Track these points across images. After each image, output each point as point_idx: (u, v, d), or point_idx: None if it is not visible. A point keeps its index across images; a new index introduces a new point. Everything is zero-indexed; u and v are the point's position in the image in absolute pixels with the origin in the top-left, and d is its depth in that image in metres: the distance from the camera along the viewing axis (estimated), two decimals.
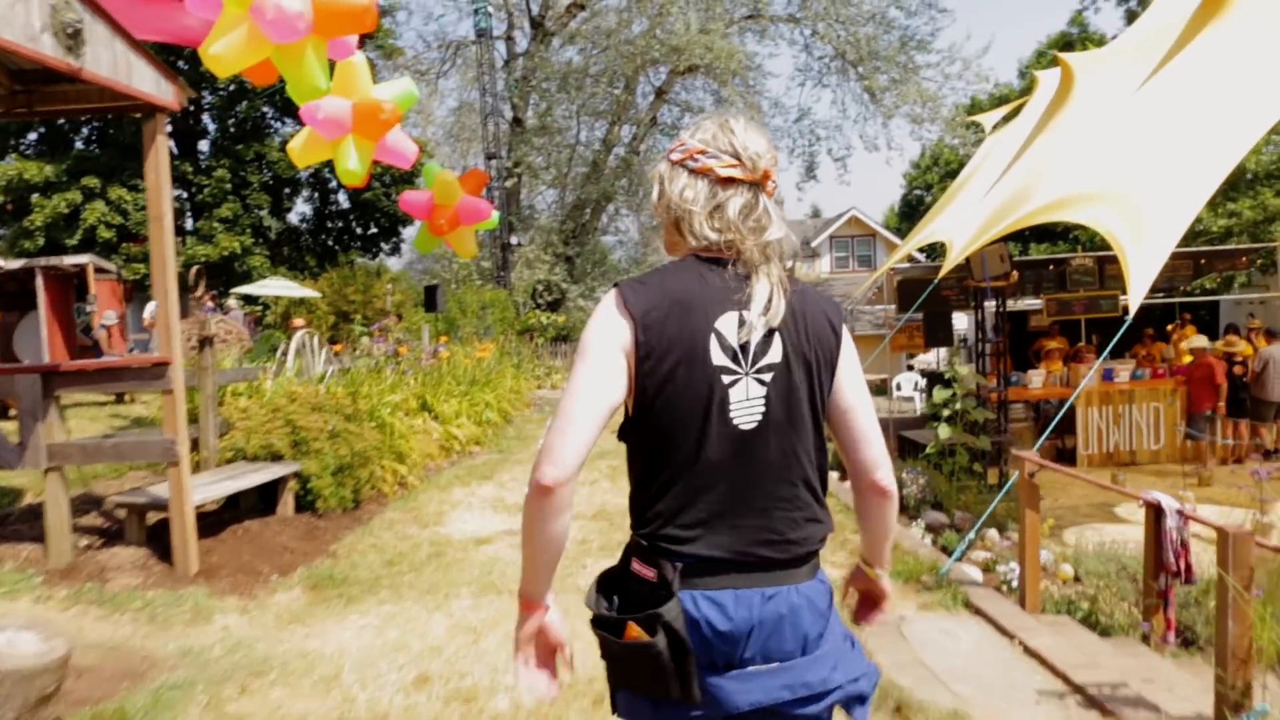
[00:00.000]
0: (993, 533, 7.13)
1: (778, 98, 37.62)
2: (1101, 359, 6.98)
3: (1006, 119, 11.97)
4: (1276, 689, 4.26)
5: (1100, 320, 13.97)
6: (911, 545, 5.93)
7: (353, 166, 4.53)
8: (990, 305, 9.51)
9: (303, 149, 4.85)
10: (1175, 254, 14.03)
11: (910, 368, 19.38)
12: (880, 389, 17.13)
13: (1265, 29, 6.92)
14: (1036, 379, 11.30)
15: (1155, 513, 4.65)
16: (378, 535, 5.90)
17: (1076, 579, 5.60)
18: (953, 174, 43.89)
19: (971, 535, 5.90)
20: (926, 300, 12.81)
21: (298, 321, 14.18)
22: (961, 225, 9.38)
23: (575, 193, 23.19)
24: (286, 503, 5.95)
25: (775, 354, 1.50)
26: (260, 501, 5.94)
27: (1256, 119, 6.25)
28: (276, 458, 6.01)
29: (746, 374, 1.48)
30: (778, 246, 1.59)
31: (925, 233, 10.72)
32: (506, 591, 4.71)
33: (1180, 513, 4.55)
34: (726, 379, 1.46)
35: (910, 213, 46.60)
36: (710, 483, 1.46)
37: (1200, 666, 4.36)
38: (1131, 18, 18.50)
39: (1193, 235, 14.74)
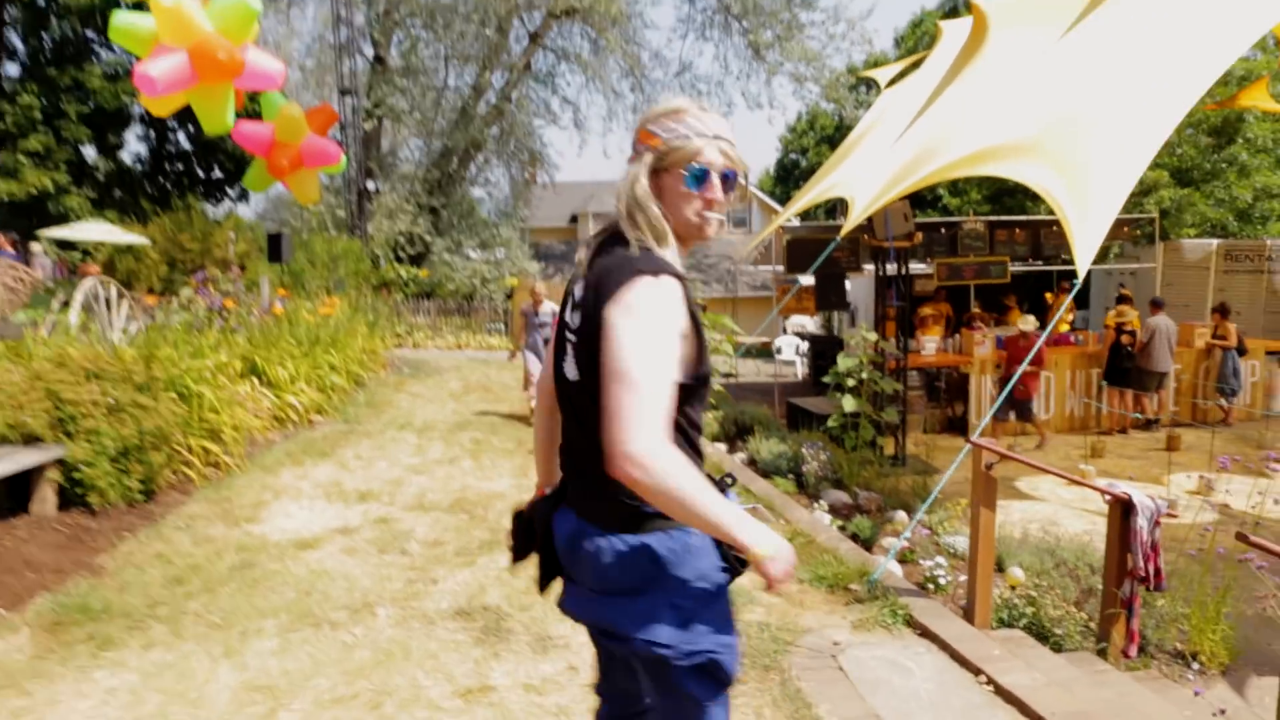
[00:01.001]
0: (901, 514, 6.45)
1: (658, 49, 36.17)
2: (1051, 326, 6.36)
3: (903, 74, 11.37)
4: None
5: (985, 286, 13.78)
6: (828, 540, 5.11)
7: (218, 118, 4.09)
8: (891, 267, 8.86)
9: (160, 102, 4.52)
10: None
11: (785, 330, 18.90)
12: (764, 351, 16.55)
13: None
14: (930, 345, 10.85)
15: (1122, 509, 3.97)
16: (169, 539, 4.61)
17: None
18: (829, 138, 44.25)
19: (903, 538, 5.13)
20: (812, 260, 12.16)
21: (89, 268, 12.18)
22: (864, 181, 8.66)
23: (442, 140, 21.50)
24: (45, 498, 4.58)
25: (575, 322, 1.67)
26: (9, 498, 4.55)
27: (1199, 70, 5.67)
28: (32, 440, 4.61)
29: (568, 341, 1.69)
30: (618, 213, 1.69)
31: (820, 188, 9.98)
32: (328, 623, 3.58)
33: (1156, 511, 3.86)
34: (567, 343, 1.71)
35: (786, 176, 46.65)
36: (567, 433, 1.76)
37: (1171, 687, 3.72)
38: None
39: None
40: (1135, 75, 5.95)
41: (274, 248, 13.36)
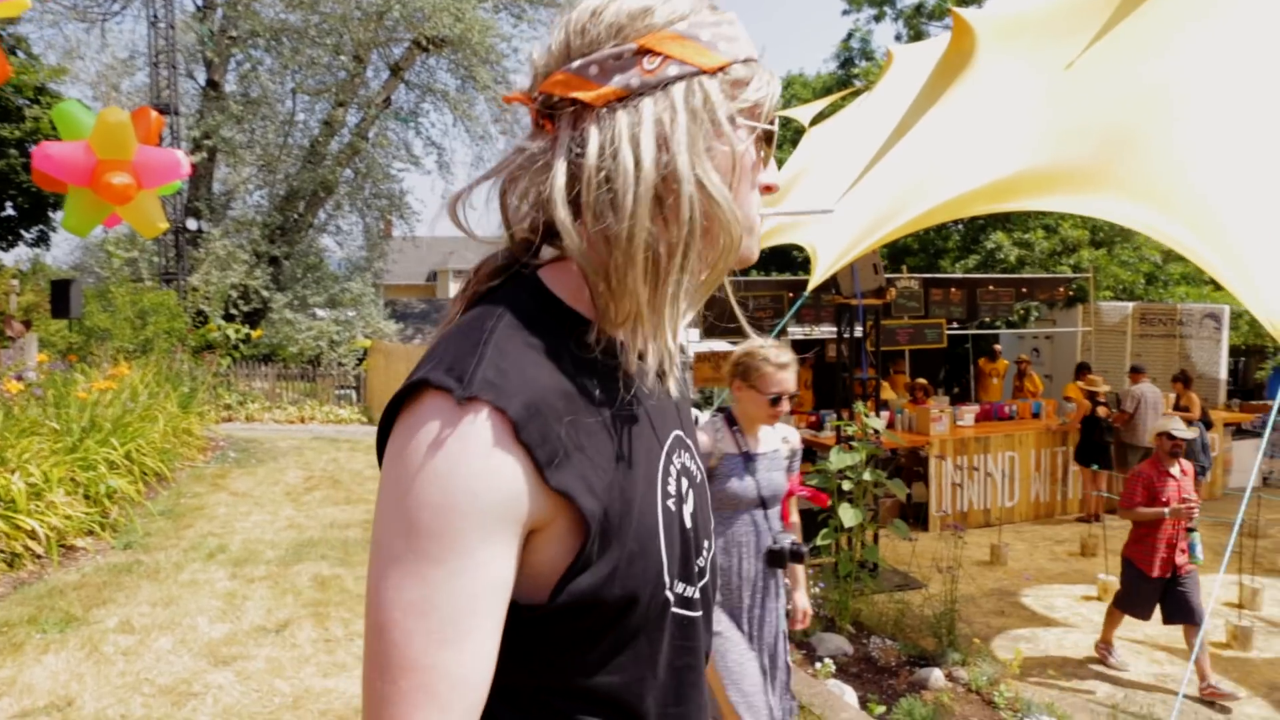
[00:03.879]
0: (935, 674, 4.65)
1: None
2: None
3: (827, 112, 10.08)
4: None
5: (920, 352, 12.52)
6: None
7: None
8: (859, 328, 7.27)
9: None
10: (999, 280, 12.90)
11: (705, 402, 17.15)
12: None
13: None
14: (879, 422, 9.29)
15: None
16: None
17: None
18: None
19: None
20: (736, 324, 10.51)
21: None
22: (830, 230, 7.08)
23: (287, 181, 18.86)
24: None
25: None
26: None
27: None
28: None
29: None
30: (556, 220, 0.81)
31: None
32: None
33: None
34: None
35: None
36: None
37: None
38: (917, 36, 17.76)
39: (995, 262, 13.76)
40: (1223, 84, 4.52)
41: (59, 299, 10.58)
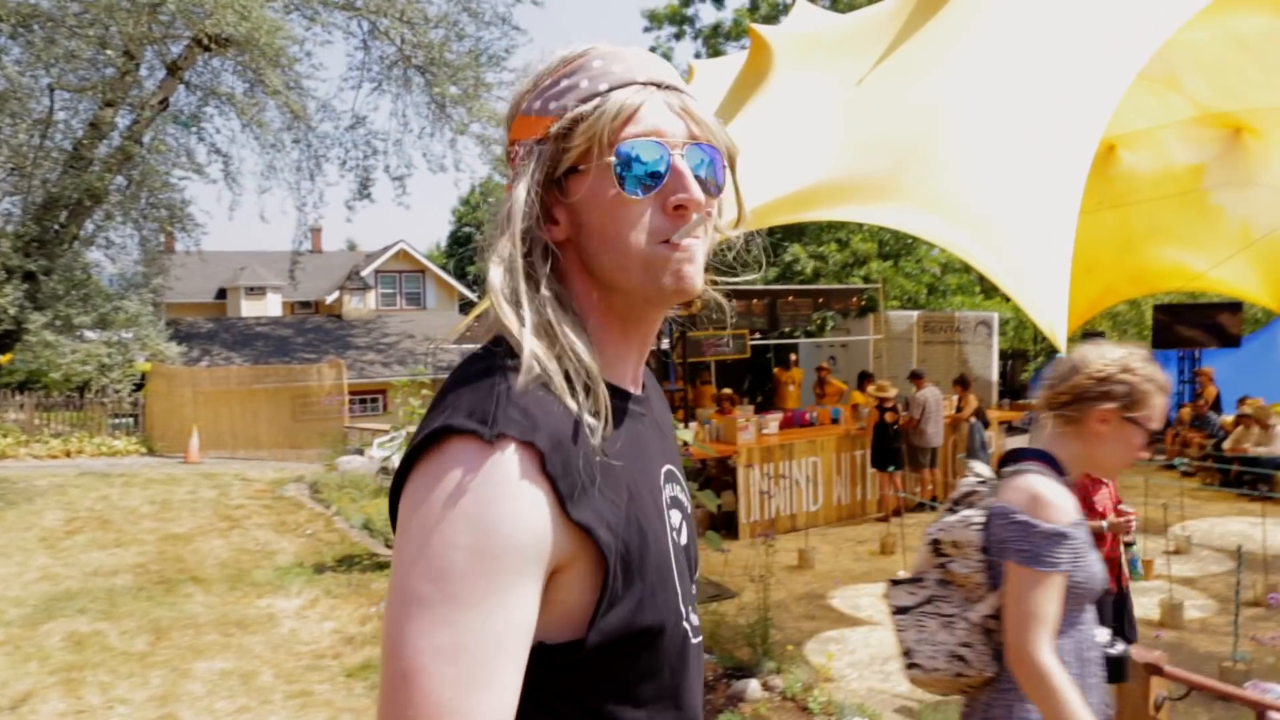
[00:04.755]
0: (751, 685, 4.67)
1: (328, 99, 33.31)
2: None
3: None
4: None
5: (724, 363, 12.80)
6: None
7: None
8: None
9: None
10: (798, 291, 13.41)
11: None
12: None
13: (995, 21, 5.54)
14: (688, 434, 9.40)
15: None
16: None
17: None
18: None
19: None
20: None
21: None
22: None
23: (45, 187, 16.89)
24: None
25: None
26: None
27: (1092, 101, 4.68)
28: None
29: None
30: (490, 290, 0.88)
31: None
32: None
33: None
34: None
35: (461, 250, 45.14)
36: None
37: None
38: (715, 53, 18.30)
39: (793, 274, 14.35)
40: (1006, 104, 4.84)
41: None
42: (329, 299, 28.82)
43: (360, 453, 13.61)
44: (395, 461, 9.97)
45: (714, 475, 8.99)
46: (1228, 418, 11.61)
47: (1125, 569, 4.42)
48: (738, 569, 6.93)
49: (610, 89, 0.86)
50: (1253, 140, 8.93)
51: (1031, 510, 1.73)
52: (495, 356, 0.84)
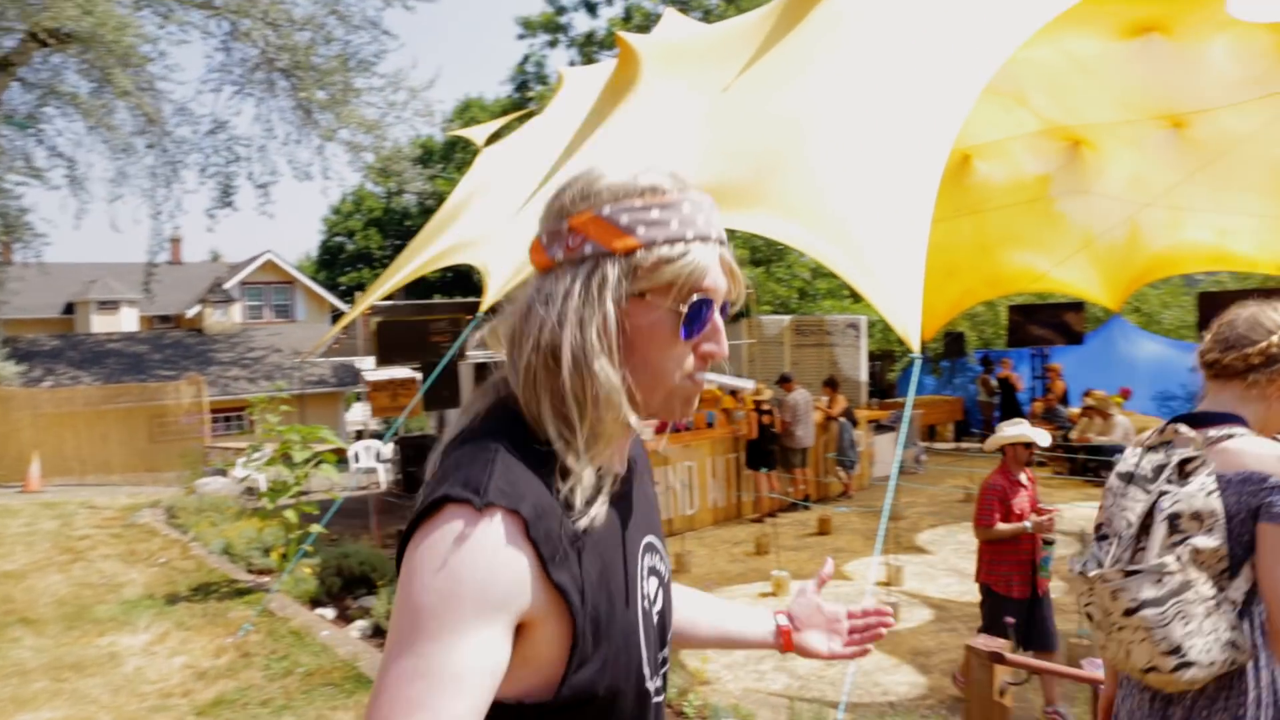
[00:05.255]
0: None
1: (185, 101, 31.62)
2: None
3: (501, 133, 10.07)
4: None
5: None
6: None
7: None
8: None
9: None
10: None
11: (360, 434, 16.22)
12: (340, 459, 13.72)
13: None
14: None
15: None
16: None
17: None
18: (377, 221, 42.24)
19: None
20: (414, 349, 10.10)
21: None
22: (496, 250, 6.97)
23: None
24: None
25: None
26: None
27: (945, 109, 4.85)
28: None
29: None
30: (513, 370, 1.01)
31: (424, 259, 8.03)
32: None
33: None
34: None
35: (331, 260, 43.68)
36: None
37: None
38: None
39: None
40: (858, 113, 4.97)
41: None
42: (190, 313, 27.34)
43: (223, 473, 12.90)
44: (257, 480, 9.47)
45: None
46: (1075, 410, 12.34)
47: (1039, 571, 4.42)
48: None
49: (694, 238, 0.95)
50: (1090, 153, 9.54)
51: None
52: (497, 426, 0.95)
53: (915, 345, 3.61)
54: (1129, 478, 1.76)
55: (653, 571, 1.05)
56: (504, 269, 6.55)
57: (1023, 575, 4.43)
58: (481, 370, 11.46)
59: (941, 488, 10.84)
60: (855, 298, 17.64)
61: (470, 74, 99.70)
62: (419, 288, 33.52)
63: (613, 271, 0.93)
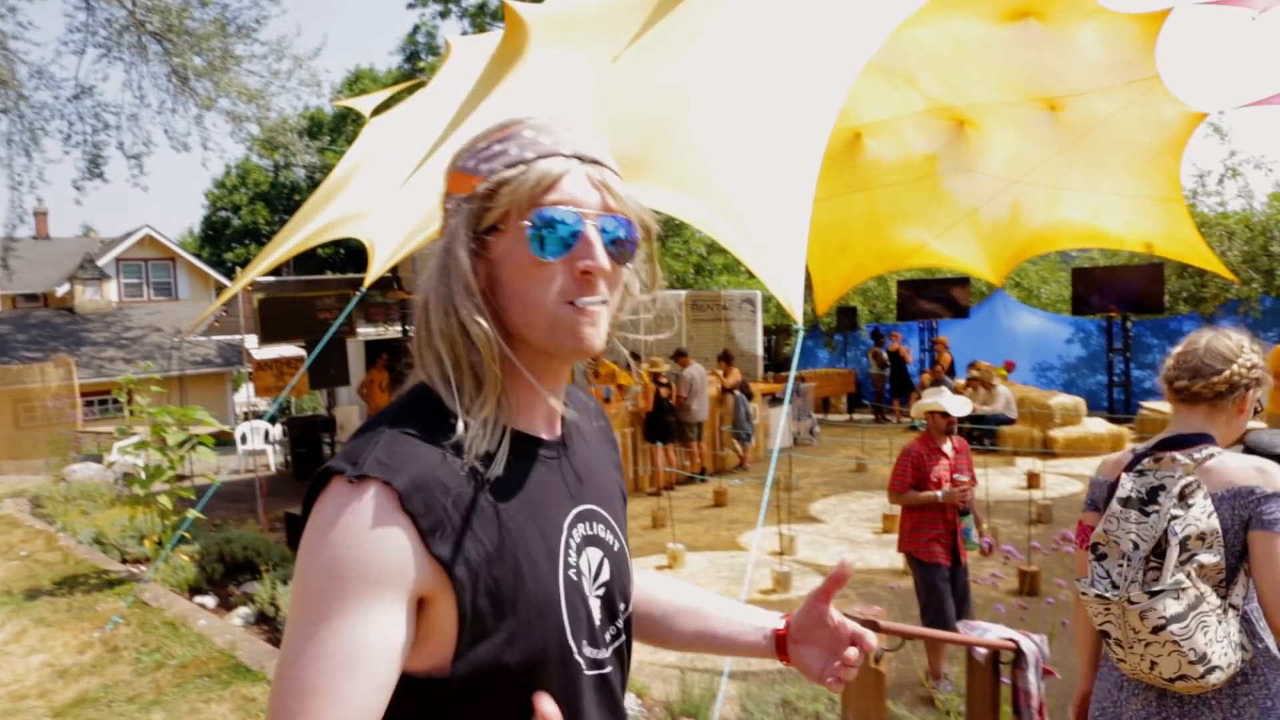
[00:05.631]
0: None
1: (44, 64, 29.51)
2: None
3: (390, 102, 9.78)
4: None
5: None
6: None
7: None
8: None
9: None
10: None
11: (249, 415, 15.58)
12: (225, 441, 13.11)
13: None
14: None
15: (993, 663, 2.60)
16: None
17: None
18: (264, 195, 40.57)
19: None
20: (299, 326, 9.73)
21: None
22: (381, 223, 6.73)
23: None
24: None
25: None
26: None
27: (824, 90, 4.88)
28: None
29: None
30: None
31: (307, 232, 7.72)
32: None
33: (1040, 656, 2.56)
34: None
35: (216, 236, 41.84)
36: None
37: None
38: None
39: None
40: (744, 86, 4.96)
41: None
42: (60, 290, 25.69)
43: (99, 459, 12.20)
44: (136, 465, 8.98)
45: None
46: (960, 380, 12.82)
47: (961, 540, 4.41)
48: None
49: (536, 158, 0.92)
50: (974, 133, 9.85)
51: (1269, 482, 1.88)
52: (407, 404, 0.94)
53: (798, 316, 3.63)
54: (1125, 501, 1.94)
55: (591, 541, 1.01)
56: (389, 243, 6.32)
57: (945, 544, 4.39)
58: (372, 348, 11.13)
59: (834, 458, 11.12)
60: (750, 273, 17.88)
61: (362, 45, 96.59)
62: (310, 264, 32.40)
63: (462, 215, 0.93)
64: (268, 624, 5.50)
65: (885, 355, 15.34)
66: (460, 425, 0.89)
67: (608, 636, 1.01)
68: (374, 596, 0.82)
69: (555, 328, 0.93)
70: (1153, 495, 1.90)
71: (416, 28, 19.46)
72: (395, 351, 10.96)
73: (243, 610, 5.72)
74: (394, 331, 11.86)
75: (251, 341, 10.77)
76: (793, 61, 4.86)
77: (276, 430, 13.16)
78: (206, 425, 6.95)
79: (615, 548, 1.06)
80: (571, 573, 0.97)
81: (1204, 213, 14.56)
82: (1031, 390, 12.69)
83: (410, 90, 9.72)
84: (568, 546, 0.97)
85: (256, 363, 10.65)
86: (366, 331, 11.33)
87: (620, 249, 0.96)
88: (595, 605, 0.99)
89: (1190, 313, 14.36)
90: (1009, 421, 11.44)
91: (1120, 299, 13.28)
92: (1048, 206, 10.46)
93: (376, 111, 9.49)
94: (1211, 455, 1.96)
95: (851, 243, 11.59)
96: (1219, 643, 1.83)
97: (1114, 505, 1.95)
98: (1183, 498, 1.86)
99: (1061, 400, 11.81)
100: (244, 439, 12.49)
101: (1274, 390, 9.44)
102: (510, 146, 0.94)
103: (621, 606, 1.05)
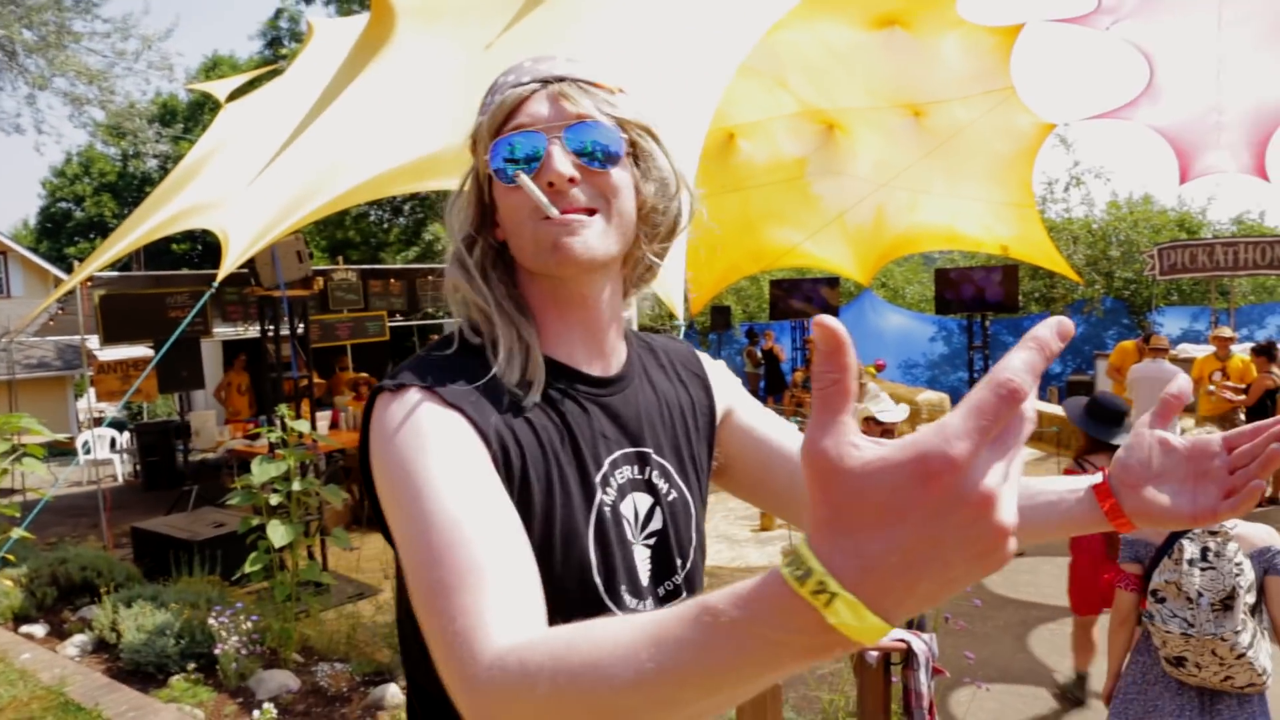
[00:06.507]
0: (391, 690, 4.34)
1: None
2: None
3: (248, 87, 9.27)
4: None
5: (364, 347, 11.98)
6: None
7: None
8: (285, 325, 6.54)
9: None
10: (440, 271, 12.99)
11: (93, 421, 14.45)
12: (66, 451, 12.04)
13: None
14: (323, 423, 8.61)
15: (884, 662, 2.57)
16: None
17: None
18: (111, 186, 37.91)
19: None
20: (147, 325, 9.09)
21: None
22: (236, 213, 6.33)
23: None
24: None
25: None
26: None
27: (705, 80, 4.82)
28: None
29: None
30: None
31: (154, 223, 7.21)
32: None
33: (931, 655, 2.56)
34: None
35: (56, 229, 38.82)
36: None
37: None
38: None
39: (434, 254, 13.91)
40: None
41: None
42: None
43: None
44: None
45: (352, 467, 8.38)
46: None
47: None
48: (378, 564, 6.49)
49: (506, 87, 0.95)
50: (842, 137, 10.09)
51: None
52: (443, 343, 0.96)
53: (679, 311, 3.56)
54: (1190, 561, 2.53)
55: (639, 485, 0.98)
56: (244, 235, 5.92)
57: None
58: (230, 349, 10.47)
59: None
60: None
61: (220, 29, 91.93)
62: (164, 261, 30.43)
63: (470, 172, 0.99)
64: (108, 652, 5.03)
65: (759, 354, 15.60)
66: (489, 355, 0.92)
67: (661, 591, 0.98)
68: (459, 441, 0.83)
69: (538, 245, 0.93)
70: (1204, 554, 2.52)
71: (279, 12, 18.51)
72: (255, 352, 10.36)
73: (78, 638, 5.21)
74: (253, 331, 11.21)
75: (94, 342, 9.95)
76: (669, 57, 4.79)
77: (125, 438, 12.23)
78: (35, 434, 6.32)
79: (671, 497, 1.02)
80: (606, 510, 0.94)
81: (1051, 219, 15.46)
82: (899, 387, 13.14)
83: (271, 75, 9.19)
84: (606, 484, 0.95)
85: (99, 365, 9.85)
86: (224, 331, 10.61)
87: (594, 154, 0.93)
88: (641, 554, 0.96)
89: (1041, 312, 15.22)
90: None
91: (979, 299, 13.94)
92: (910, 210, 10.83)
93: (233, 96, 8.94)
94: (1235, 525, 2.58)
95: (725, 242, 11.70)
96: (1266, 657, 2.51)
97: (1184, 564, 2.53)
98: (1236, 559, 2.51)
99: (928, 396, 12.28)
100: (87, 448, 11.50)
101: (1116, 385, 10.02)
102: (490, 97, 0.98)
103: (679, 562, 1.01)
